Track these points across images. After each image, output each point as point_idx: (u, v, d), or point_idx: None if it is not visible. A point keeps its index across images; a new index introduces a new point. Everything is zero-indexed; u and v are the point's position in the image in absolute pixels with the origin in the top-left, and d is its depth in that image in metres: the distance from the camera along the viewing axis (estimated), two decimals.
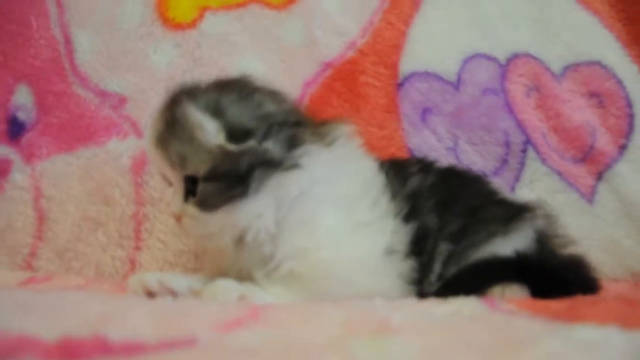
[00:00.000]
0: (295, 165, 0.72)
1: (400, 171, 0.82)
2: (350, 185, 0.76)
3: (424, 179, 0.81)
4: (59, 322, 0.44)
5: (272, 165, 0.71)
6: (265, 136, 0.71)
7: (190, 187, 0.72)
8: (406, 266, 0.75)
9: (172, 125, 0.72)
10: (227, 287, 0.69)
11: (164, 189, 1.01)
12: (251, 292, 0.69)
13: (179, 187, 0.73)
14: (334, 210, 0.74)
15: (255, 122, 0.71)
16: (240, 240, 0.74)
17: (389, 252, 0.74)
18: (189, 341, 0.42)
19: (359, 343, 0.44)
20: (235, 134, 0.70)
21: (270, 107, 0.74)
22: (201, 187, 0.71)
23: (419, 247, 0.76)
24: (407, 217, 0.76)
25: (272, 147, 0.71)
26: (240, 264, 0.75)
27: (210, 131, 0.69)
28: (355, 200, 0.76)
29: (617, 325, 0.48)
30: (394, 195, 0.78)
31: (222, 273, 0.74)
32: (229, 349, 0.42)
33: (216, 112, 0.71)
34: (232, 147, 0.69)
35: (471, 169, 1.06)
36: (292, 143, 0.72)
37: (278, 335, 0.47)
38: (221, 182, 0.71)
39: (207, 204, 0.71)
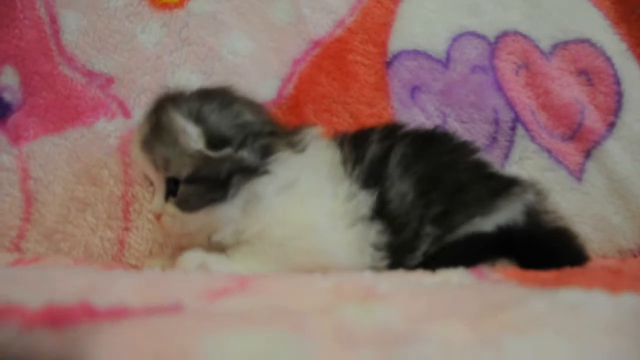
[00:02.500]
0: (265, 171, 0.77)
1: (361, 141, 0.84)
2: (312, 180, 0.80)
3: (386, 146, 0.83)
4: (45, 292, 0.43)
5: (248, 172, 0.76)
6: (242, 145, 0.76)
7: (172, 188, 0.77)
8: (372, 231, 0.77)
9: (157, 130, 0.77)
10: (191, 257, 0.75)
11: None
12: (212, 260, 0.74)
13: (160, 188, 0.78)
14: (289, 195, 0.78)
15: (233, 130, 0.77)
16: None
17: (344, 217, 0.77)
18: (175, 307, 0.42)
19: (346, 308, 0.45)
20: (214, 141, 0.75)
21: (248, 117, 0.79)
22: (182, 189, 0.76)
23: (386, 213, 0.78)
24: (366, 184, 0.79)
25: (247, 155, 0.76)
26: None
27: (192, 136, 0.74)
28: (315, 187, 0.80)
29: (603, 290, 0.48)
30: (347, 164, 0.81)
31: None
32: (215, 314, 0.42)
33: (198, 119, 0.76)
34: (211, 153, 0.75)
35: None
36: (266, 151, 0.77)
37: (266, 302, 0.47)
38: (202, 185, 0.76)
39: (188, 205, 0.76)
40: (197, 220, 0.76)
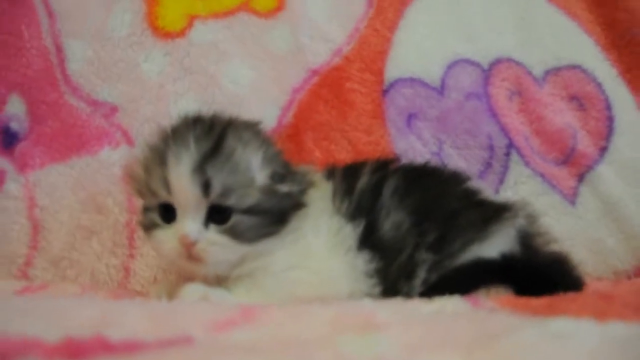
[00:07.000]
0: (304, 205, 0.79)
1: (352, 174, 0.86)
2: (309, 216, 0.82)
3: (377, 178, 0.85)
4: (60, 325, 0.45)
5: (299, 206, 0.79)
6: (289, 180, 0.79)
7: (215, 216, 0.75)
8: (359, 260, 0.79)
9: (218, 156, 0.75)
10: (193, 289, 0.74)
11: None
12: (213, 293, 0.74)
13: (196, 214, 0.74)
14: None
15: (282, 166, 0.80)
16: None
17: (336, 249, 0.79)
18: (185, 340, 0.44)
19: (346, 339, 0.47)
20: (276, 176, 0.78)
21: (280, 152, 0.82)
22: (237, 219, 0.75)
23: (377, 241, 0.80)
24: (352, 216, 0.81)
25: (296, 190, 0.79)
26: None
27: (264, 171, 0.76)
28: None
29: (592, 318, 0.50)
30: (336, 198, 0.83)
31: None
32: (224, 346, 0.44)
33: (265, 153, 0.78)
34: (280, 187, 0.77)
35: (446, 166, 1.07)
36: (308, 185, 0.80)
37: (270, 333, 0.49)
38: (260, 217, 0.76)
39: (243, 236, 0.75)
40: (246, 251, 0.76)
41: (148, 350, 0.41)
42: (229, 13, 1.15)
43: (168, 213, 0.76)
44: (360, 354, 0.44)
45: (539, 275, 0.78)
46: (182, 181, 0.74)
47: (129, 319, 0.49)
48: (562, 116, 1.15)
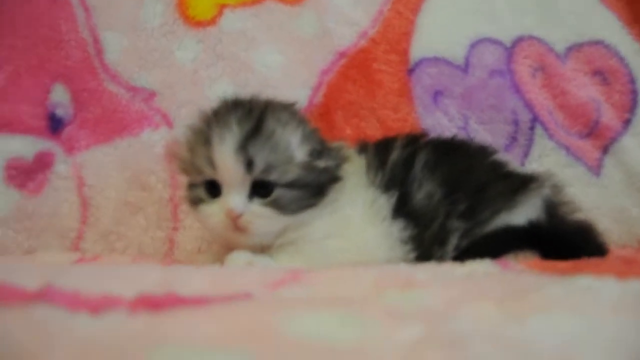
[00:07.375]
0: (340, 178, 0.85)
1: (384, 149, 0.91)
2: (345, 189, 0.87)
3: (409, 152, 0.89)
4: (133, 285, 0.51)
5: (336, 179, 0.84)
6: (326, 155, 0.84)
7: (258, 190, 0.80)
8: (394, 228, 0.84)
9: (259, 136, 0.80)
10: (239, 256, 0.79)
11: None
12: (257, 260, 0.80)
13: (241, 189, 0.80)
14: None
15: (319, 142, 0.85)
16: None
17: (371, 219, 0.84)
18: (245, 295, 0.50)
19: (391, 294, 0.52)
20: (314, 152, 0.83)
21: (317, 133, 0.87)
22: (280, 193, 0.80)
23: (411, 210, 0.85)
24: (386, 188, 0.86)
25: (332, 164, 0.84)
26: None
27: (304, 148, 0.82)
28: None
29: (613, 276, 0.54)
30: (370, 171, 0.88)
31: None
32: (280, 300, 0.49)
33: (304, 131, 0.83)
34: (318, 163, 0.82)
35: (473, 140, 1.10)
36: (342, 160, 0.86)
37: (318, 291, 0.54)
38: (301, 191, 0.81)
39: (286, 208, 0.81)
40: (288, 222, 0.81)
41: (214, 303, 0.47)
42: (256, 1, 1.19)
43: (213, 188, 0.82)
44: (406, 306, 0.48)
45: (565, 241, 0.82)
46: (226, 160, 0.79)
47: (192, 280, 0.55)
48: (585, 90, 1.17)
